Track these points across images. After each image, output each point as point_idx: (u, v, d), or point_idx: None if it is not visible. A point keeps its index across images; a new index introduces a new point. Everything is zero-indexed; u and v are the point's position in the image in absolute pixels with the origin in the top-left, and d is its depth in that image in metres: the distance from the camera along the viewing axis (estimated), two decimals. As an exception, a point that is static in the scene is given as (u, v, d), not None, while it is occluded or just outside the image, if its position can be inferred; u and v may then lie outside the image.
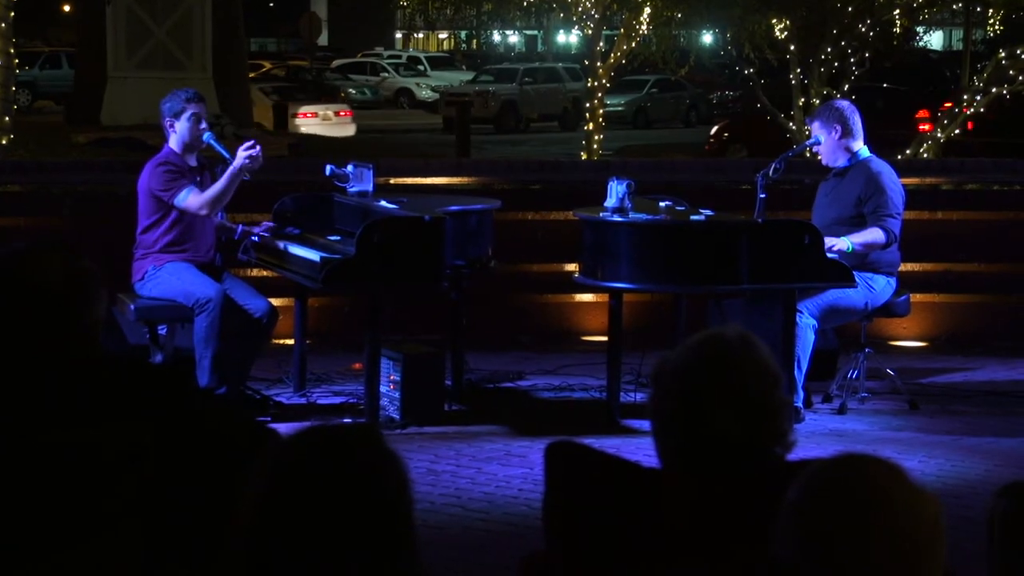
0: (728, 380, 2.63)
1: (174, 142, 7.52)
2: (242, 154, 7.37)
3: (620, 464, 2.77)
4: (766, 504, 2.30)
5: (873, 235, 7.64)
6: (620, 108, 35.18)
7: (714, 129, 25.83)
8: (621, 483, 2.72)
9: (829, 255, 7.45)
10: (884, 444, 7.25)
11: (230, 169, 7.40)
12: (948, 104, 20.84)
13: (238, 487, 2.26)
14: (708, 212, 7.75)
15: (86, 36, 27.28)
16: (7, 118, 18.95)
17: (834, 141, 7.79)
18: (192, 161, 7.57)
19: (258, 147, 7.44)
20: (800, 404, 7.60)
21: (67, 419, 2.89)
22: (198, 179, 7.55)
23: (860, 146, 7.84)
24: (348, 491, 2.18)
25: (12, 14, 18.88)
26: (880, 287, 7.76)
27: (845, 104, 7.98)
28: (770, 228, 7.47)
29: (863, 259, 7.68)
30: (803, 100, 20.94)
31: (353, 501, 2.18)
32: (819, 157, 7.99)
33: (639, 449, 6.48)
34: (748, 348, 2.66)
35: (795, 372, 7.39)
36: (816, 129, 7.85)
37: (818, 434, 7.42)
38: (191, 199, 7.39)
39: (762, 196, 7.75)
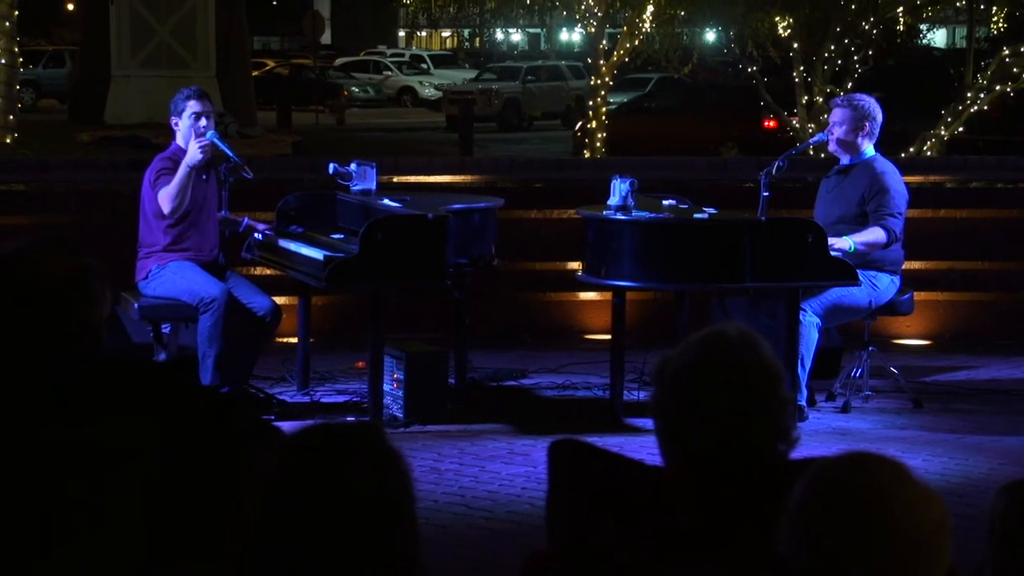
0: (730, 378, 2.63)
1: (180, 139, 7.54)
2: (194, 145, 7.33)
3: (623, 463, 2.77)
4: (769, 503, 2.30)
5: (874, 235, 7.63)
6: (623, 106, 35.16)
7: (579, 124, 27.15)
8: (624, 482, 2.72)
9: (832, 253, 7.44)
10: (888, 442, 7.24)
11: (183, 164, 7.34)
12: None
13: (241, 485, 2.26)
14: (711, 210, 7.74)
15: (90, 35, 27.32)
16: (11, 116, 18.96)
17: (856, 136, 7.76)
18: (197, 159, 7.56)
19: (205, 139, 7.36)
20: (804, 403, 7.59)
21: (69, 417, 2.89)
22: (204, 177, 7.55)
23: (868, 146, 7.82)
24: (351, 489, 2.19)
25: (16, 12, 18.89)
26: (884, 285, 7.76)
27: (876, 104, 7.91)
28: (773, 226, 7.46)
29: (867, 257, 7.67)
30: (806, 98, 20.92)
31: (356, 499, 2.18)
32: (829, 142, 7.89)
33: (643, 447, 6.48)
34: (750, 346, 2.66)
35: (799, 371, 7.39)
36: (843, 115, 7.77)
37: (822, 432, 7.42)
38: (162, 196, 7.39)
39: (765, 194, 7.74)
